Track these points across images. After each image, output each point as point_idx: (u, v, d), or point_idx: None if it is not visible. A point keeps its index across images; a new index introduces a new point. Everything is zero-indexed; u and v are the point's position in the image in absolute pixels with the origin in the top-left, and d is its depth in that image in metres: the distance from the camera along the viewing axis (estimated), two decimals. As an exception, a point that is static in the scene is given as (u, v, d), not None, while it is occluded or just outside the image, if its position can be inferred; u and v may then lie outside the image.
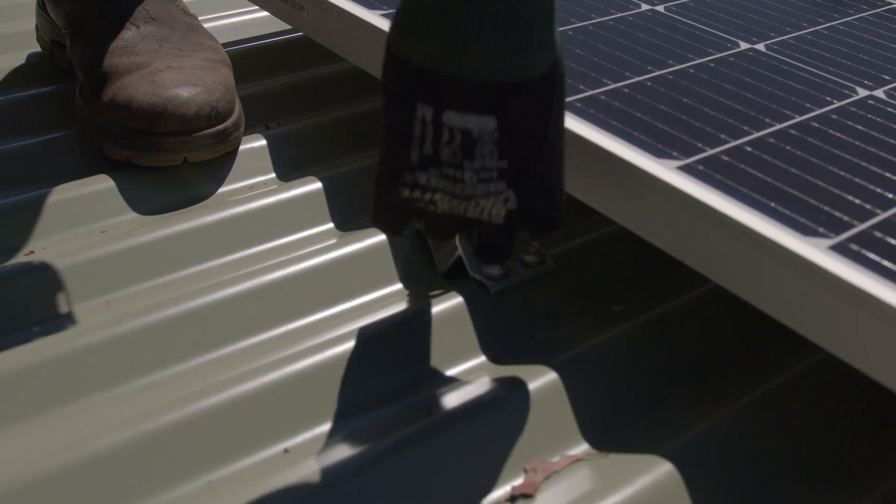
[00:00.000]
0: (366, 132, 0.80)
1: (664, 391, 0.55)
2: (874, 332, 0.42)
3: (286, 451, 0.49)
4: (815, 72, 0.64)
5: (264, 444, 0.50)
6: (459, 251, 0.60)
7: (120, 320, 0.55)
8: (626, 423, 0.53)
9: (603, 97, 0.58)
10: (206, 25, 0.96)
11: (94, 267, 0.61)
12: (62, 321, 0.57)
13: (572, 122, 0.54)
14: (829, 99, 0.60)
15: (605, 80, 0.60)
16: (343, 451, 0.49)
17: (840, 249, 0.45)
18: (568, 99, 0.57)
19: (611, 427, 0.52)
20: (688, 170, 0.50)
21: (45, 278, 0.59)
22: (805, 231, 0.46)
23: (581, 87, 0.59)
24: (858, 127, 0.57)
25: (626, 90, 0.59)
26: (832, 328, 0.44)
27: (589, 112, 0.56)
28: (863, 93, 0.61)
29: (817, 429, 0.53)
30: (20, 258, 0.62)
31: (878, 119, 0.58)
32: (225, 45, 0.89)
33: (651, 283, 0.63)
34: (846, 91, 0.62)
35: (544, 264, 0.61)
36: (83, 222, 0.66)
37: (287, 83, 0.84)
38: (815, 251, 0.44)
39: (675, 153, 0.52)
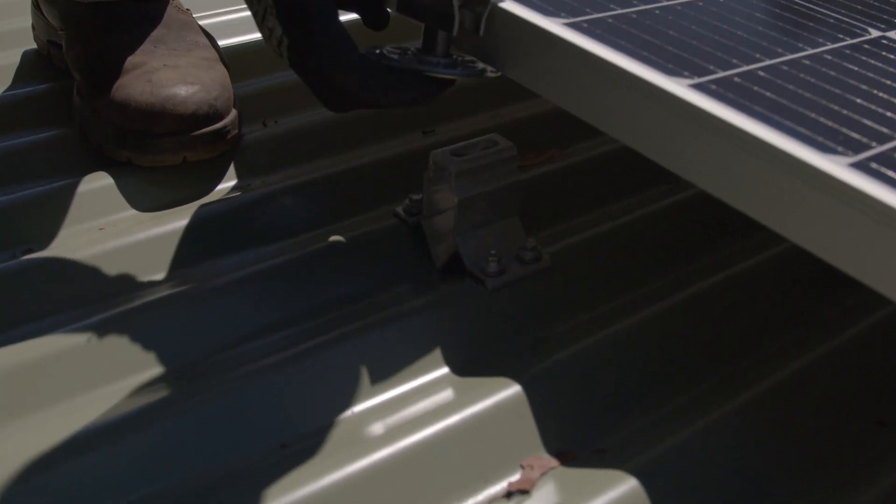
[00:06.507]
0: (364, 130, 0.78)
1: (662, 388, 0.54)
2: (897, 248, 0.40)
3: (283, 446, 0.48)
4: (825, 13, 0.62)
5: (263, 440, 0.48)
6: (457, 247, 0.59)
7: (118, 317, 0.54)
8: (624, 420, 0.52)
9: (610, 20, 0.56)
10: (205, 23, 0.93)
11: (93, 264, 0.59)
12: (60, 319, 0.56)
13: (579, 38, 0.52)
14: (841, 37, 0.58)
15: (611, 6, 0.58)
16: (342, 447, 0.48)
17: (861, 167, 0.43)
18: (575, 19, 0.55)
19: (609, 424, 0.52)
20: (700, 88, 0.48)
21: (43, 276, 0.58)
22: (823, 149, 0.44)
23: (587, 10, 0.57)
24: (872, 62, 0.55)
25: (634, 16, 0.57)
26: (854, 249, 0.42)
27: (596, 32, 0.54)
28: (875, 33, 0.60)
29: (813, 428, 0.52)
30: (18, 256, 0.61)
31: (892, 56, 0.56)
32: (223, 42, 0.87)
33: (649, 280, 0.62)
34: (857, 31, 0.60)
35: (541, 261, 0.61)
36: (81, 220, 0.65)
37: (285, 81, 0.82)
38: (835, 167, 0.42)
39: (686, 72, 0.50)
